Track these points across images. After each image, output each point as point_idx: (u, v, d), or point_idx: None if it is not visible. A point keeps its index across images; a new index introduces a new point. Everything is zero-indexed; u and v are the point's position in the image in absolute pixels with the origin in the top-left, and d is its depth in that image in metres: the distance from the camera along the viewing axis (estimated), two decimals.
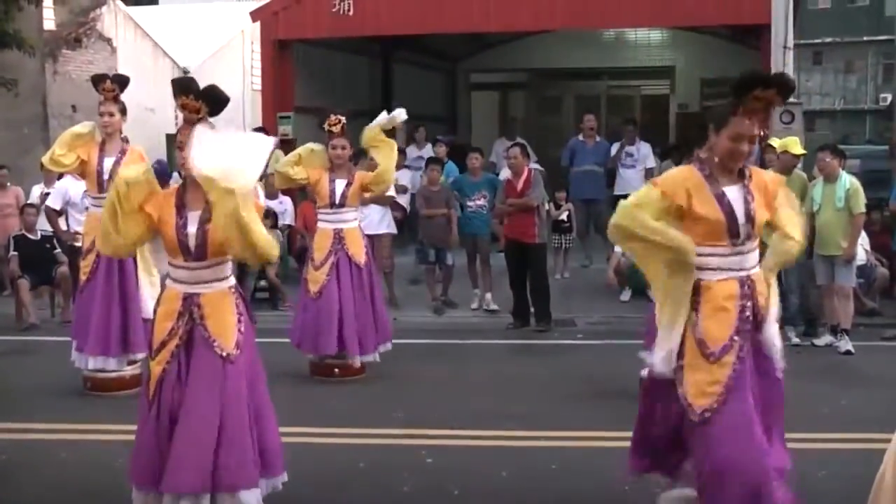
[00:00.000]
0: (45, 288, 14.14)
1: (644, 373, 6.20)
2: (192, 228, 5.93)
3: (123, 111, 10.09)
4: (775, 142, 12.89)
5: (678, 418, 5.66)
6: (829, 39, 44.98)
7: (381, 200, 14.44)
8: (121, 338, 9.63)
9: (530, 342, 12.58)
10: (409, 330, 13.14)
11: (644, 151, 17.14)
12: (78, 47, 21.31)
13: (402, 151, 17.49)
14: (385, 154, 10.75)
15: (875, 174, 15.13)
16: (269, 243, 5.77)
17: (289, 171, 10.45)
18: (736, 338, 5.60)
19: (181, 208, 5.98)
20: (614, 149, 17.22)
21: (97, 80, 10.08)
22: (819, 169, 12.19)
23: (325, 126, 10.59)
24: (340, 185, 10.41)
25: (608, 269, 14.30)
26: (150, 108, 21.88)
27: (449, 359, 11.67)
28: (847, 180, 11.90)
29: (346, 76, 21.03)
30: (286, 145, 17.68)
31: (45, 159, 9.96)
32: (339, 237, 10.33)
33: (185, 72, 24.25)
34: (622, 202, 5.69)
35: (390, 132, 10.78)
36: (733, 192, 5.67)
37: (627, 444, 6.19)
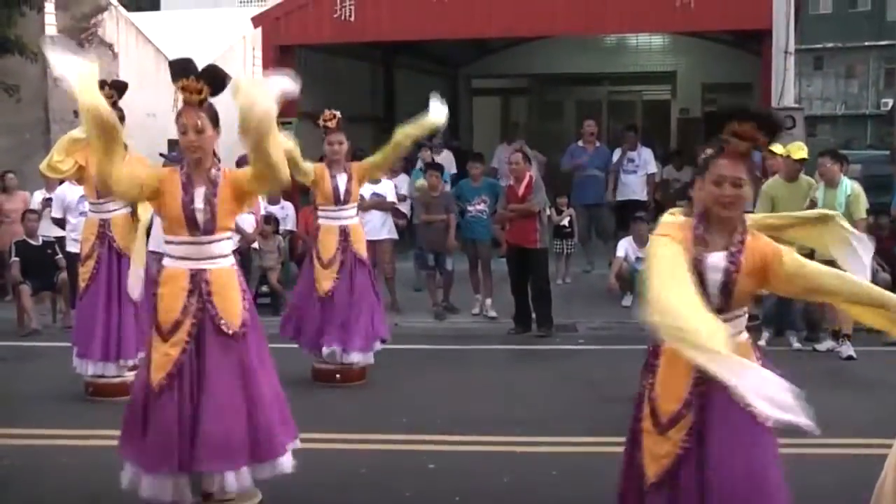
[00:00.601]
0: (46, 293, 14.15)
1: None
2: (199, 203, 6.05)
3: (122, 118, 10.07)
4: (778, 147, 12.88)
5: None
6: (830, 44, 44.98)
7: (382, 206, 14.49)
8: (116, 346, 9.65)
9: (532, 347, 12.58)
10: (411, 335, 13.14)
11: (645, 157, 17.15)
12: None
13: (403, 159, 17.53)
14: (388, 155, 10.64)
15: (876, 179, 15.13)
16: (283, 161, 6.03)
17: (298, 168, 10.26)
18: (684, 410, 4.96)
19: (187, 185, 6.13)
20: (616, 155, 17.23)
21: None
22: (820, 174, 12.18)
23: (321, 122, 10.64)
24: (342, 181, 10.38)
25: (610, 274, 14.29)
26: (152, 114, 21.89)
27: (450, 364, 11.67)
28: (848, 186, 11.90)
29: (347, 82, 21.04)
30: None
31: (42, 166, 9.96)
32: (344, 234, 10.31)
33: None
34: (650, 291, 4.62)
35: (391, 139, 10.69)
36: (714, 259, 4.89)
37: None
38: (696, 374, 4.81)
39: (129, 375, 9.67)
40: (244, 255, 13.76)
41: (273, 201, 15.22)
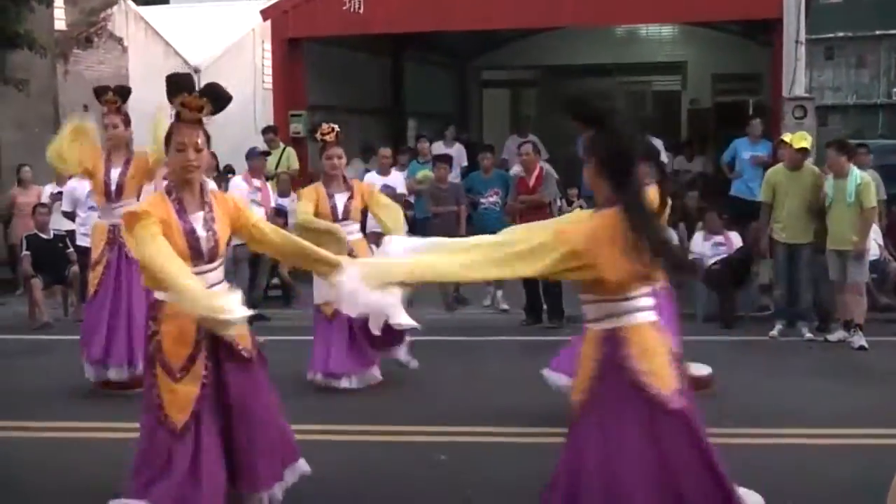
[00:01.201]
0: (57, 287, 14.18)
1: None
2: (201, 231, 5.73)
3: (127, 122, 10.08)
4: (788, 137, 12.86)
5: None
6: (841, 34, 44.85)
7: (393, 199, 14.49)
8: (126, 351, 9.63)
9: (543, 339, 12.54)
10: (422, 327, 13.13)
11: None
12: (89, 47, 21.32)
13: (411, 151, 17.53)
14: (392, 218, 10.10)
15: (887, 169, 15.07)
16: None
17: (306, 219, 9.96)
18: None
19: (182, 212, 5.73)
20: None
21: (99, 93, 10.09)
22: (827, 166, 12.16)
23: (318, 136, 10.21)
24: (341, 199, 10.00)
25: None
26: (162, 108, 21.87)
27: (462, 356, 11.67)
28: (858, 175, 11.86)
29: (357, 74, 21.03)
30: (298, 143, 17.73)
31: (50, 153, 9.93)
32: (349, 253, 10.06)
33: (196, 70, 24.26)
34: None
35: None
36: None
37: None
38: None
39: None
40: None
41: (283, 194, 15.22)
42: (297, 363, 10.16)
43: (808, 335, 12.16)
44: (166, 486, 5.62)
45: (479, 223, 14.07)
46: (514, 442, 8.17)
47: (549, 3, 17.35)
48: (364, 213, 10.51)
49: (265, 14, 18.88)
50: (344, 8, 17.62)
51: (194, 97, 5.72)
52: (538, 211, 12.89)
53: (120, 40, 22.28)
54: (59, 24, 20.63)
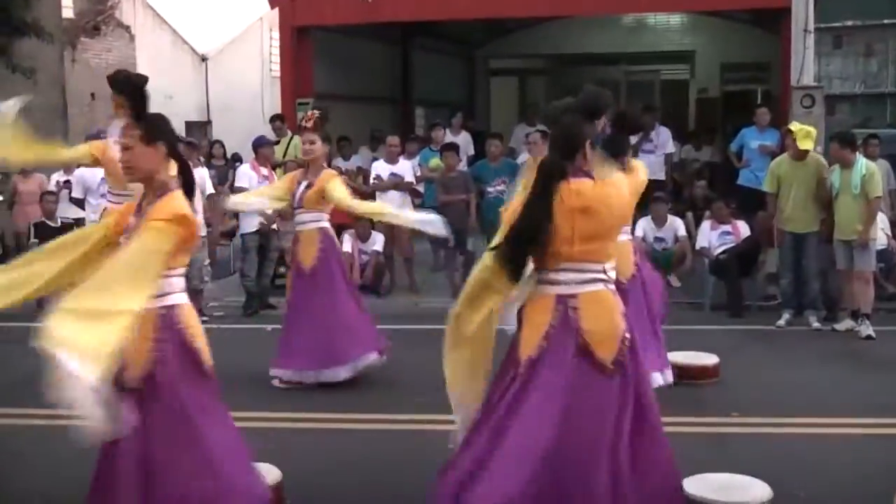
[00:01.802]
0: None
1: None
2: None
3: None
4: (795, 127, 12.83)
5: None
6: (849, 23, 44.65)
7: (400, 186, 14.50)
8: None
9: None
10: (430, 315, 13.12)
11: (664, 137, 17.03)
12: (96, 35, 21.31)
13: (420, 139, 17.50)
14: (353, 209, 10.02)
15: (894, 158, 15.02)
16: None
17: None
18: None
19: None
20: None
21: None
22: (832, 159, 12.16)
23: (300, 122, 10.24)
24: (301, 187, 9.83)
25: None
26: (169, 96, 21.90)
27: None
28: (863, 165, 11.84)
29: (364, 62, 21.01)
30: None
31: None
32: (296, 240, 10.01)
33: (204, 59, 24.27)
34: None
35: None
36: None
37: None
38: None
39: None
40: (264, 237, 13.78)
41: None
42: None
43: (817, 324, 12.15)
44: None
45: (487, 212, 14.05)
46: None
47: None
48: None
49: (273, 2, 18.85)
50: None
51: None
52: None
53: (127, 28, 22.27)
54: (67, 11, 20.63)
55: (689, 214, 15.17)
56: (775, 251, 13.15)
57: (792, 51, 15.86)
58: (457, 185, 14.26)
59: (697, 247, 13.64)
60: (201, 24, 24.24)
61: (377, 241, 14.45)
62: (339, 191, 9.52)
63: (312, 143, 9.81)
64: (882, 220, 12.66)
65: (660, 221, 13.83)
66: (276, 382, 9.67)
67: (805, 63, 15.67)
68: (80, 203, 12.96)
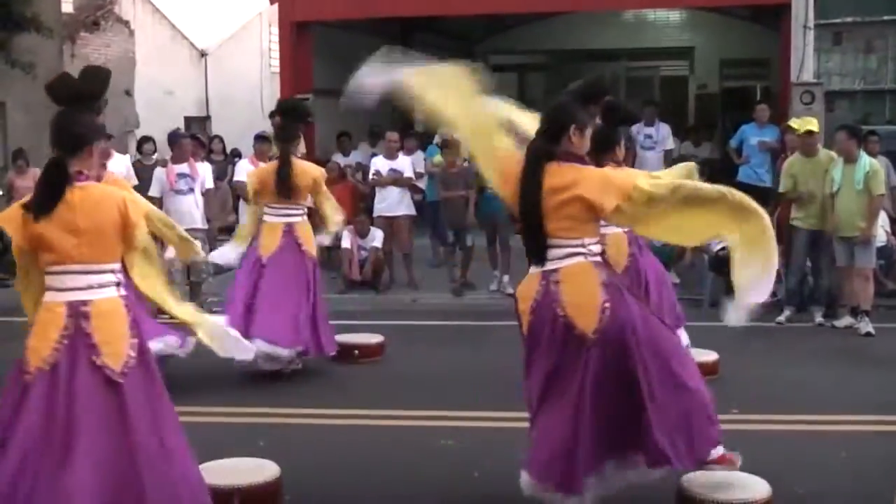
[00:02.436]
0: None
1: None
2: None
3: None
4: (795, 122, 12.82)
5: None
6: (849, 19, 44.63)
7: (400, 182, 14.49)
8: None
9: None
10: (429, 312, 13.17)
11: (663, 133, 17.02)
12: (96, 30, 21.27)
13: (417, 135, 17.49)
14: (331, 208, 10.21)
15: (894, 155, 15.00)
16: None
17: None
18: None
19: None
20: (636, 130, 17.10)
21: None
22: (836, 150, 12.11)
23: None
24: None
25: None
26: (169, 91, 21.91)
27: (469, 340, 11.67)
28: (867, 161, 11.82)
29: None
30: (305, 127, 17.69)
31: None
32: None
33: (203, 54, 24.25)
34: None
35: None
36: None
37: None
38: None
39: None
40: None
41: None
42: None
43: (819, 319, 12.14)
44: None
45: (487, 208, 14.04)
46: (520, 427, 8.14)
47: None
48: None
49: None
50: None
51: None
52: None
53: (127, 23, 22.23)
54: (67, 6, 20.60)
55: None
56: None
57: (792, 47, 15.87)
58: (457, 181, 14.25)
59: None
60: (201, 20, 24.21)
61: (376, 237, 14.45)
62: None
63: None
64: (882, 217, 12.64)
65: None
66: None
67: (805, 59, 15.68)
68: None
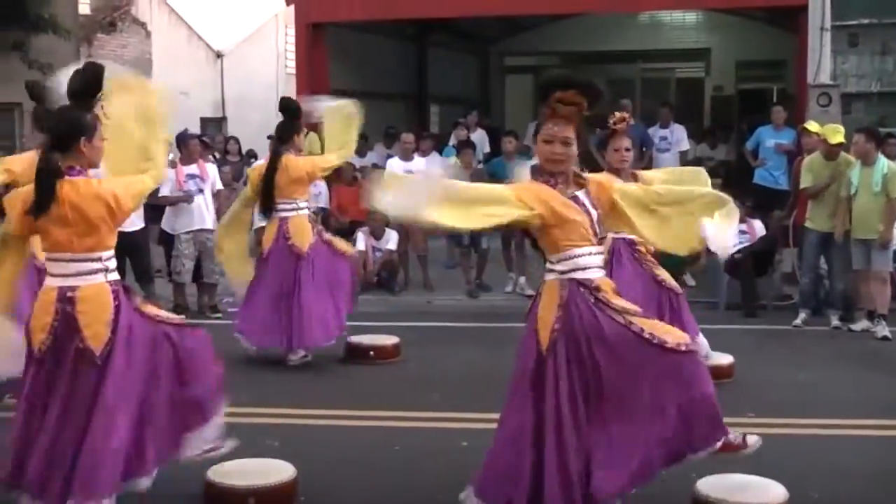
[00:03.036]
0: None
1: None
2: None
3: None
4: (813, 126, 12.78)
5: None
6: (865, 21, 44.53)
7: None
8: None
9: None
10: (444, 313, 13.18)
11: (679, 135, 16.99)
12: (112, 31, 21.35)
13: (433, 137, 17.51)
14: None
15: None
16: None
17: None
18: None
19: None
20: (653, 132, 17.07)
21: None
22: (854, 152, 12.06)
23: None
24: None
25: None
26: (185, 92, 21.95)
27: (484, 342, 11.66)
28: (885, 164, 11.77)
29: (380, 59, 21.01)
30: (321, 128, 17.68)
31: None
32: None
33: (219, 55, 24.29)
34: None
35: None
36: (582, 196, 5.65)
37: None
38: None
39: None
40: None
41: None
42: (319, 348, 10.21)
43: (836, 322, 12.10)
44: None
45: None
46: None
47: None
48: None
49: None
50: None
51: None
52: None
53: (143, 25, 22.31)
54: (84, 7, 20.68)
55: None
56: (791, 250, 13.11)
57: (808, 49, 15.81)
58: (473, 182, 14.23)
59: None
60: (217, 21, 24.27)
61: (391, 239, 14.46)
62: None
63: None
64: None
65: None
66: None
67: (821, 61, 15.63)
68: None
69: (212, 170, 13.41)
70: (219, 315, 12.88)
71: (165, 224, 13.17)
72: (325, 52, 18.60)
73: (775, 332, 12.01)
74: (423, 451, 7.56)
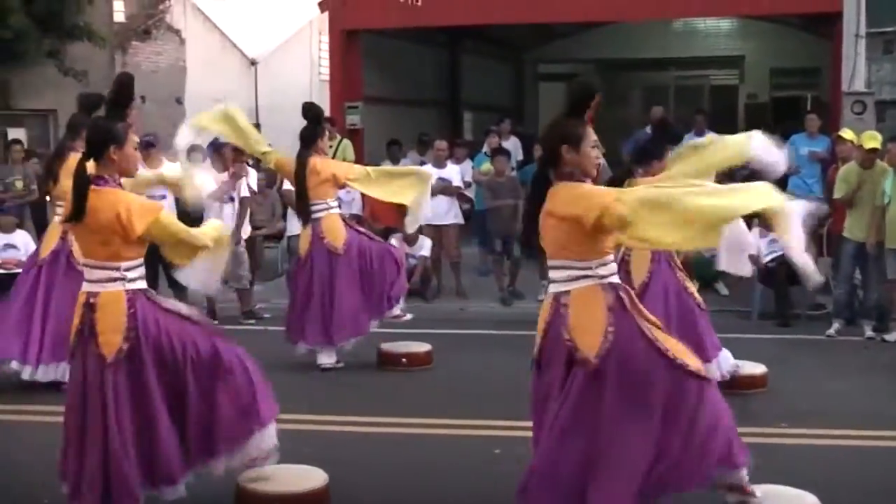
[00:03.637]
0: None
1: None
2: None
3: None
4: (848, 133, 12.72)
5: None
6: None
7: (448, 191, 14.50)
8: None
9: None
10: (477, 320, 13.18)
11: None
12: (147, 39, 21.46)
13: (466, 144, 17.51)
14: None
15: None
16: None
17: None
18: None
19: None
20: (688, 138, 16.97)
21: None
22: (888, 160, 11.98)
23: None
24: None
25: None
26: (219, 100, 21.98)
27: (516, 349, 11.56)
28: None
29: (413, 66, 21.05)
30: (354, 135, 17.77)
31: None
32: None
33: (253, 63, 24.37)
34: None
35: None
36: None
37: None
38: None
39: None
40: None
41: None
42: (350, 355, 10.24)
43: (870, 333, 12.02)
44: None
45: None
46: None
47: None
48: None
49: (322, 6, 18.92)
50: (401, 0, 17.63)
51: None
52: None
53: (178, 32, 22.41)
54: (118, 15, 20.79)
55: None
56: (825, 260, 13.03)
57: (843, 56, 15.74)
58: (505, 189, 14.25)
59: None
60: (251, 28, 24.33)
61: (424, 246, 14.47)
62: None
63: None
64: None
65: None
66: None
67: (856, 68, 15.55)
68: None
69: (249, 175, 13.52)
70: (252, 321, 12.92)
71: None
72: (359, 59, 18.64)
73: (808, 341, 11.95)
74: (455, 458, 7.56)
